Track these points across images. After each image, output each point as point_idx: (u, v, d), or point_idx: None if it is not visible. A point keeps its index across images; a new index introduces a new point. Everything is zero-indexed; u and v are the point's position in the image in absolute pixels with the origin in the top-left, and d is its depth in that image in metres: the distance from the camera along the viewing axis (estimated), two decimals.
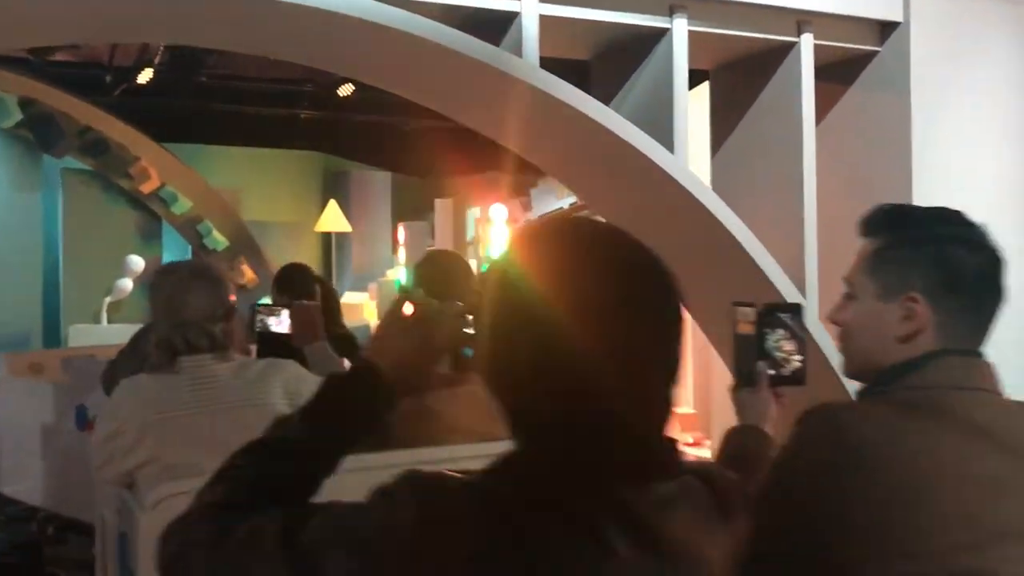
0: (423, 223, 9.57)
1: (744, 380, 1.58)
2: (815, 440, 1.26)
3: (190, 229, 9.46)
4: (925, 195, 3.32)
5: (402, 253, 9.01)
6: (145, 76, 8.36)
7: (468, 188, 10.84)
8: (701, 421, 5.53)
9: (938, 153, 3.36)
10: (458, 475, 0.89)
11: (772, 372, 1.51)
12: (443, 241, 8.91)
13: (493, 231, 8.93)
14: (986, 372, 1.32)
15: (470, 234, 10.28)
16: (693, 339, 4.57)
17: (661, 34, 3.11)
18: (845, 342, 1.40)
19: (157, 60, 8.18)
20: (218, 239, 9.43)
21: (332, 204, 9.47)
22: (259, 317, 2.52)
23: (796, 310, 1.64)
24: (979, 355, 1.33)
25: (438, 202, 8.99)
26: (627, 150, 3.01)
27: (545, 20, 2.87)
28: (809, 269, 3.25)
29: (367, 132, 10.82)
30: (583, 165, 3.44)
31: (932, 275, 1.31)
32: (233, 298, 2.11)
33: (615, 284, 0.90)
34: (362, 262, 10.17)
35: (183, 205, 9.34)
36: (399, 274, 9.00)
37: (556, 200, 10.35)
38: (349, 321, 8.95)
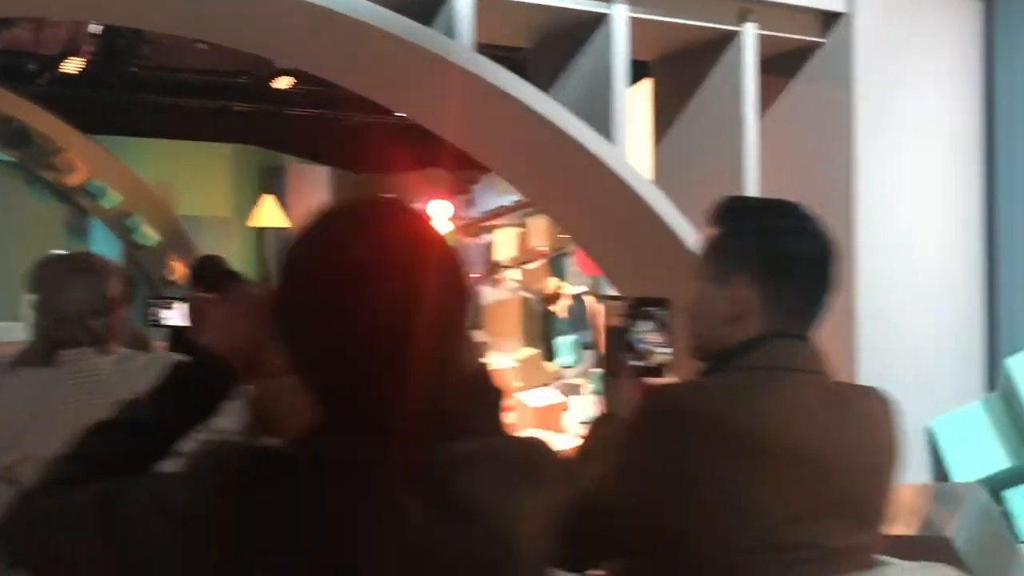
0: None
1: (610, 371, 1.64)
2: (656, 419, 1.32)
3: (119, 224, 9.15)
4: (868, 188, 3.27)
5: None
6: (73, 65, 8.05)
7: (409, 184, 10.68)
8: None
9: (882, 146, 3.31)
10: (264, 444, 0.95)
11: (638, 364, 1.57)
12: None
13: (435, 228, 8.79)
14: (813, 355, 1.38)
15: None
16: None
17: (600, 20, 3.00)
18: (688, 324, 1.47)
19: (86, 49, 7.88)
20: (149, 234, 9.13)
21: (267, 198, 9.22)
22: (150, 309, 2.42)
23: (664, 304, 1.68)
24: (806, 339, 1.39)
25: None
26: (565, 140, 2.90)
27: (481, 2, 2.75)
28: None
29: (304, 126, 10.58)
30: (521, 156, 3.32)
31: (759, 262, 1.37)
32: (119, 290, 2.03)
33: (393, 252, 0.93)
34: None
35: (112, 199, 9.03)
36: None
37: (498, 197, 10.24)
38: None
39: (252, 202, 9.97)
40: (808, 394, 1.34)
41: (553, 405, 5.55)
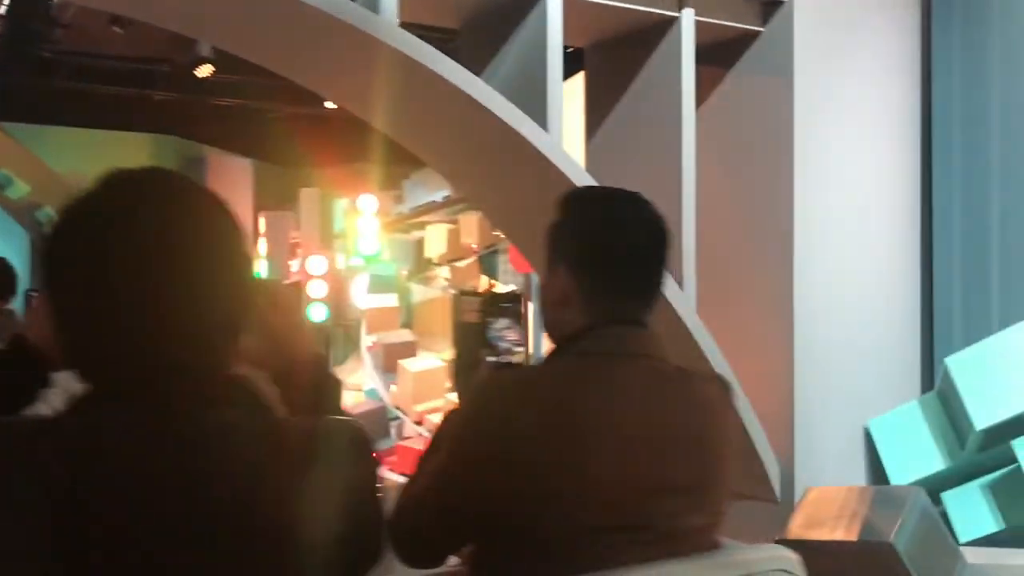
0: (287, 213, 9.09)
1: (465, 366, 1.60)
2: (484, 407, 1.33)
3: (28, 215, 8.72)
4: (808, 180, 3.19)
5: (263, 244, 8.52)
6: None
7: (337, 179, 10.41)
8: None
9: (821, 137, 3.24)
10: (41, 416, 1.01)
11: (493, 359, 1.52)
12: (309, 232, 8.46)
13: (362, 223, 8.54)
14: (647, 340, 1.41)
15: (338, 226, 9.86)
16: None
17: (534, 2, 2.85)
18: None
19: None
20: None
21: None
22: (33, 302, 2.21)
23: (518, 299, 1.57)
24: (639, 324, 1.41)
25: (304, 191, 8.53)
26: (497, 126, 2.75)
27: None
28: (687, 259, 3.06)
29: (227, 117, 10.24)
30: (450, 143, 3.16)
31: (575, 251, 1.41)
32: None
33: (134, 231, 0.95)
34: None
35: (20, 189, 8.60)
36: (260, 267, 8.51)
37: (429, 193, 10.03)
38: None
39: None
40: (640, 378, 1.36)
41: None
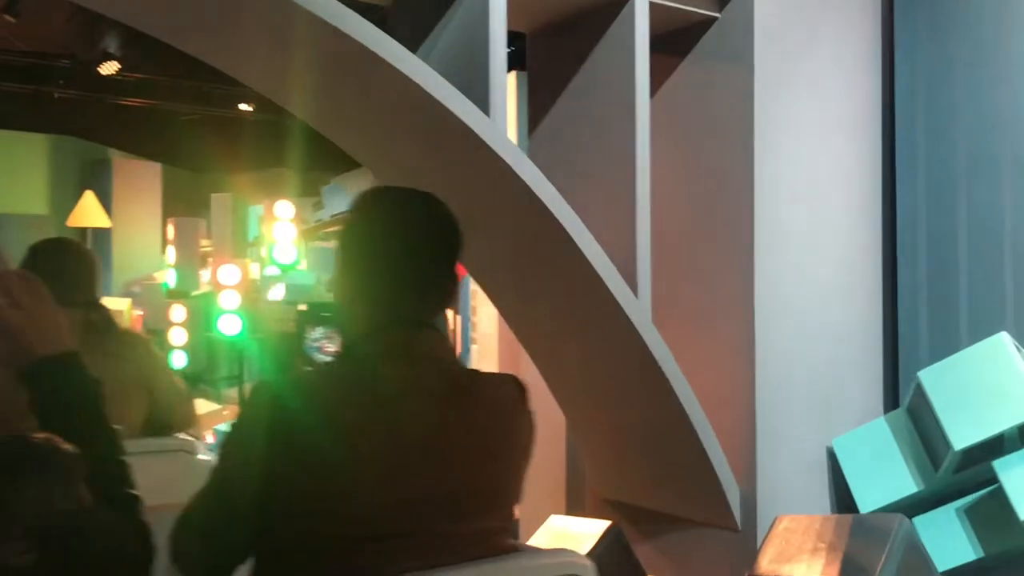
0: (198, 220, 8.58)
1: (282, 370, 1.45)
2: (254, 410, 1.30)
3: None
4: (767, 172, 2.95)
5: (171, 252, 7.99)
6: None
7: (251, 184, 9.93)
8: None
9: (781, 126, 3.00)
10: None
11: (310, 369, 1.50)
12: (221, 240, 7.97)
13: (279, 230, 8.09)
14: (431, 342, 1.38)
15: (253, 233, 9.38)
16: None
17: None
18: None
19: None
20: None
21: (88, 195, 8.30)
22: None
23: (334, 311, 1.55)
24: (424, 326, 1.38)
25: (215, 197, 8.04)
26: (434, 110, 2.43)
27: None
28: (641, 261, 2.78)
29: (134, 118, 9.68)
30: (378, 129, 2.82)
31: (358, 251, 1.41)
32: None
33: None
34: (125, 263, 9.02)
35: None
36: (168, 276, 7.99)
37: (349, 199, 9.62)
38: None
39: (71, 199, 9.01)
40: (420, 382, 1.34)
41: None
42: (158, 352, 2.56)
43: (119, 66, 7.95)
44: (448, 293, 1.43)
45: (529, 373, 3.17)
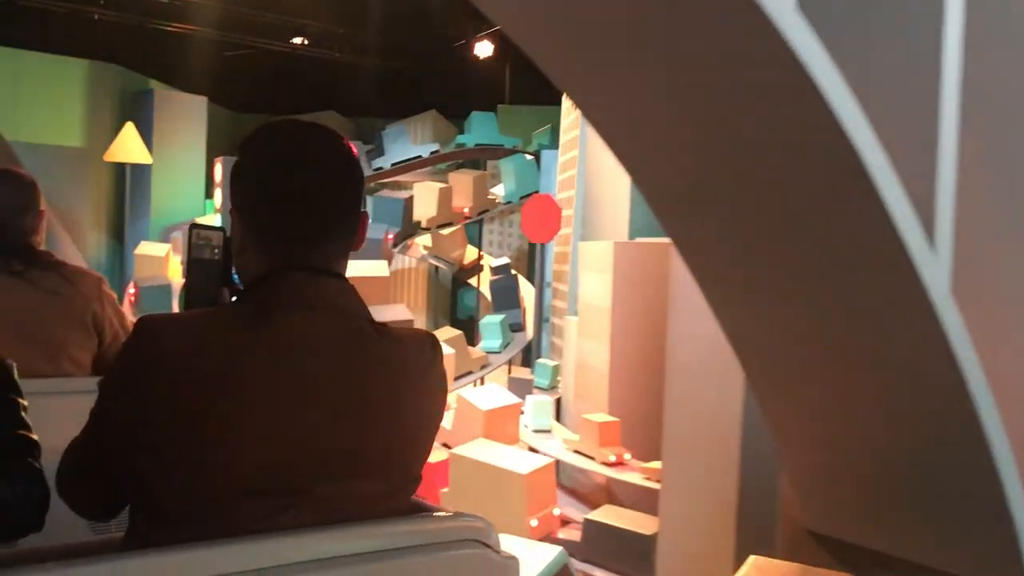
0: None
1: (203, 304, 1.49)
2: (134, 348, 1.23)
3: None
4: None
5: (218, 196, 7.22)
6: None
7: None
8: (635, 432, 4.22)
9: None
10: None
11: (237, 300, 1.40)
12: None
13: None
14: (330, 290, 1.29)
15: None
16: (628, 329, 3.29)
17: None
18: None
19: None
20: None
21: (129, 127, 7.50)
22: None
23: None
24: (322, 272, 1.28)
25: None
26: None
27: None
28: (943, 195, 1.96)
29: (180, 47, 8.90)
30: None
31: (244, 192, 1.31)
32: None
33: None
34: (165, 205, 8.25)
35: None
36: (214, 221, 7.22)
37: (412, 146, 8.82)
38: (145, 278, 7.13)
39: (109, 131, 8.24)
40: (309, 332, 1.24)
41: (506, 407, 4.26)
42: (109, 293, 2.48)
43: None
44: (352, 236, 1.33)
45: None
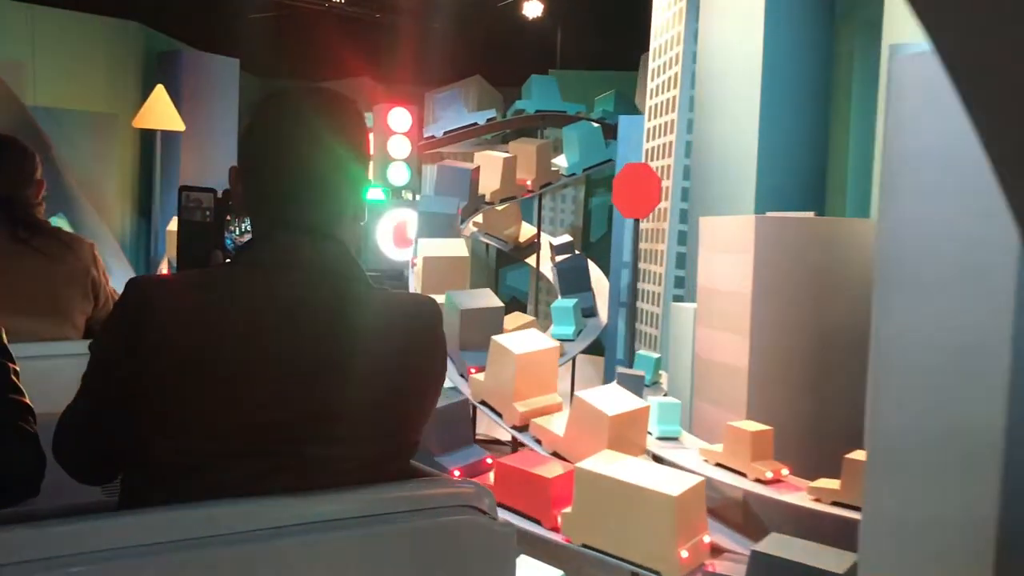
0: None
1: (195, 266, 1.55)
2: (123, 307, 1.24)
3: None
4: None
5: None
6: None
7: (342, 90, 8.47)
8: (787, 442, 3.58)
9: None
10: None
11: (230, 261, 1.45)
12: None
13: (393, 145, 6.64)
14: (324, 253, 1.29)
15: None
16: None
17: None
18: None
19: None
20: None
21: (160, 90, 6.81)
22: None
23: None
24: (317, 234, 1.29)
25: None
26: None
27: None
28: None
29: (206, 6, 8.21)
30: None
31: (244, 154, 1.34)
32: None
33: None
34: (196, 173, 7.59)
35: None
36: None
37: (466, 113, 8.15)
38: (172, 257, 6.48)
39: (137, 95, 7.56)
40: (304, 293, 1.25)
41: (634, 412, 3.63)
42: (99, 258, 2.51)
43: None
44: (354, 196, 1.32)
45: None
